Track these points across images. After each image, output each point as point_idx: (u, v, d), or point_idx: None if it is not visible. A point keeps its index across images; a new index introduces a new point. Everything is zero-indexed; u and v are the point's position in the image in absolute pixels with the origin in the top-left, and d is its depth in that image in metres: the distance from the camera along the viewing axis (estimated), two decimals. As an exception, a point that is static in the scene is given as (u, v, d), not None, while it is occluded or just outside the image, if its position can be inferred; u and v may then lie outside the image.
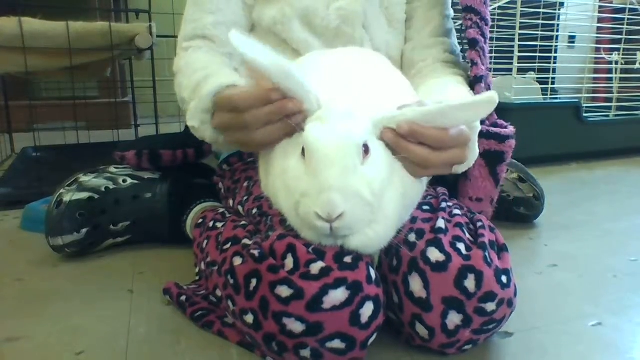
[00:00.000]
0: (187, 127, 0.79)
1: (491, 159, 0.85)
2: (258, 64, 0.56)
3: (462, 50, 0.97)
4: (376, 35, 0.93)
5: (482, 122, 0.85)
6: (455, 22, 1.00)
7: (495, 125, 0.86)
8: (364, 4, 0.91)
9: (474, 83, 0.86)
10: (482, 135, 0.83)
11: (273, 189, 0.65)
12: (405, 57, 0.98)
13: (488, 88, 0.86)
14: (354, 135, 0.55)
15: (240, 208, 0.84)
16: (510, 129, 0.86)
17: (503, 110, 0.88)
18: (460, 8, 0.91)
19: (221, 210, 0.92)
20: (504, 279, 0.62)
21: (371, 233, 0.58)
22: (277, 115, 0.61)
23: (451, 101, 0.59)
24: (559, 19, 2.15)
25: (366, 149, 0.56)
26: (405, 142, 0.59)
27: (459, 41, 1.00)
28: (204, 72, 0.80)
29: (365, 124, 0.58)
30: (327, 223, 0.54)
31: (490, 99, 0.58)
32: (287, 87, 0.58)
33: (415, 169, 0.62)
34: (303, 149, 0.57)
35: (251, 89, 0.62)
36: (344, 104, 0.59)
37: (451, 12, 0.99)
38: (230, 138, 0.69)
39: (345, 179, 0.54)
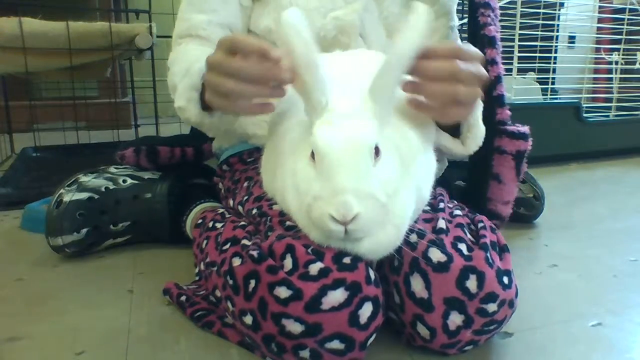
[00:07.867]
0: (191, 129, 0.78)
1: (519, 158, 0.88)
2: (293, 45, 0.55)
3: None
4: (374, 45, 0.92)
5: (505, 123, 0.87)
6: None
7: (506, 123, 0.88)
8: (362, 14, 0.90)
9: (495, 83, 0.85)
10: (513, 135, 0.87)
11: (281, 188, 0.64)
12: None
13: None
14: (365, 137, 0.55)
15: (240, 208, 0.84)
16: (527, 127, 0.89)
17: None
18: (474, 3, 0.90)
19: (221, 210, 0.92)
20: (505, 279, 0.62)
21: (382, 236, 0.58)
22: (265, 78, 0.59)
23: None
24: (559, 19, 2.15)
25: (377, 150, 0.56)
26: (428, 83, 0.60)
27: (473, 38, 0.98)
28: (195, 59, 0.79)
29: (374, 124, 0.57)
30: (341, 226, 0.54)
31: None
32: (309, 79, 0.56)
33: (444, 109, 0.63)
34: (312, 151, 0.56)
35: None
36: (350, 105, 0.58)
37: (456, 22, 0.98)
38: (210, 94, 0.66)
39: (359, 180, 0.53)
